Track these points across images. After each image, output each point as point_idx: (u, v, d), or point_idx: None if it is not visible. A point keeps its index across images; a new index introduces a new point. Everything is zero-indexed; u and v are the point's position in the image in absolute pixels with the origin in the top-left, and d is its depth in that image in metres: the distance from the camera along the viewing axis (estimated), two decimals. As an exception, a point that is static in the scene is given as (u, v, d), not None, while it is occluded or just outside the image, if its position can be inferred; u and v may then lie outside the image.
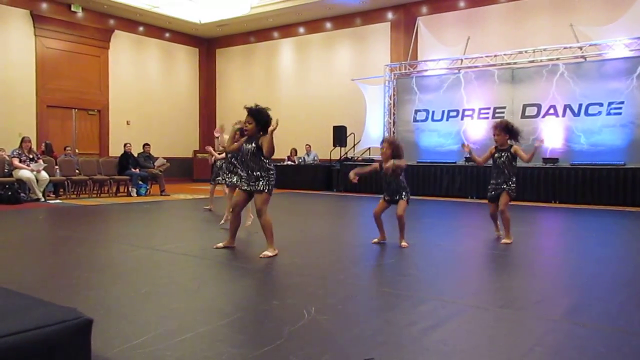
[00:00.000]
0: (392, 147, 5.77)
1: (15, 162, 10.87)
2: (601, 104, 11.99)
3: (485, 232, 6.20)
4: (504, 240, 5.89)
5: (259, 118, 5.16)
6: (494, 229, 6.34)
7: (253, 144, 5.16)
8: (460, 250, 5.79)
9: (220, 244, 5.54)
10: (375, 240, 5.96)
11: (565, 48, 12.47)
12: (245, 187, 5.27)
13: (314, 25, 17.87)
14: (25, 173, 10.77)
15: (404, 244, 5.71)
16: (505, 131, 6.02)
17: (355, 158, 15.72)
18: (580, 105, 12.23)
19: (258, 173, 5.18)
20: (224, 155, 7.32)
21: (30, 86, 15.53)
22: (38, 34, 15.58)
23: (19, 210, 9.40)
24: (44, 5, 15.72)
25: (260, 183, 5.18)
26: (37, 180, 10.92)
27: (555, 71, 12.53)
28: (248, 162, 5.21)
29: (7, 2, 14.87)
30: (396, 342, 2.84)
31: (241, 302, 3.71)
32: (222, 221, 7.22)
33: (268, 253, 5.08)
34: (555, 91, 12.53)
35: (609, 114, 11.89)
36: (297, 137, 17.49)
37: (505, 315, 3.36)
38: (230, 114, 5.17)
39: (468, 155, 6.22)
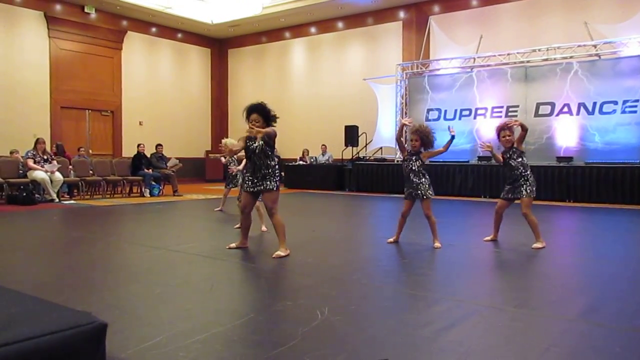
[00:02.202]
0: (422, 138, 5.69)
1: (30, 163, 10.96)
2: (616, 102, 11.87)
3: (499, 230, 6.13)
4: (534, 245, 5.61)
5: (264, 113, 5.14)
6: (494, 232, 6.12)
7: (259, 142, 5.14)
8: (474, 250, 5.75)
9: (233, 245, 5.54)
10: (391, 239, 5.94)
11: (579, 46, 12.37)
12: (251, 189, 5.27)
13: (325, 25, 17.86)
14: (39, 174, 10.86)
15: (436, 244, 5.67)
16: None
17: (367, 158, 15.69)
18: (595, 104, 12.13)
19: (265, 171, 5.16)
20: (243, 164, 7.24)
21: (44, 87, 15.67)
22: (52, 35, 15.71)
23: (34, 211, 9.48)
24: (58, 7, 15.84)
25: (267, 182, 5.16)
26: (51, 181, 11.01)
27: (569, 69, 12.43)
28: (255, 160, 5.19)
29: (21, 4, 15.02)
30: (411, 343, 2.82)
31: (254, 303, 3.71)
32: (237, 226, 7.22)
33: (280, 253, 5.08)
34: (569, 89, 12.43)
35: (623, 112, 11.78)
36: (308, 137, 17.51)
37: (521, 315, 3.33)
38: (242, 115, 5.17)
39: (482, 154, 5.93)
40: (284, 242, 5.17)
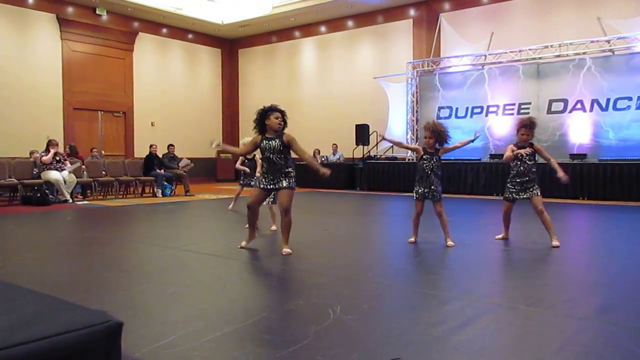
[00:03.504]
0: (435, 135, 5.66)
1: (45, 158, 11.00)
2: (630, 98, 11.75)
3: (511, 229, 6.10)
4: (554, 244, 5.51)
5: (283, 117, 5.27)
6: (505, 231, 6.09)
7: (278, 141, 5.18)
8: (487, 248, 5.72)
9: (244, 243, 5.56)
10: (412, 239, 5.85)
11: (592, 42, 12.24)
12: (269, 186, 5.28)
13: (335, 23, 17.85)
14: (53, 175, 10.95)
15: (449, 242, 5.64)
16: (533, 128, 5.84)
17: (378, 157, 15.66)
18: (608, 100, 12.01)
19: (283, 170, 5.21)
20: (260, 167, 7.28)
21: (57, 89, 15.80)
22: (64, 37, 15.84)
23: (48, 212, 9.57)
24: (70, 9, 15.97)
25: (286, 181, 5.22)
26: (65, 182, 11.10)
27: (582, 65, 12.32)
28: (272, 158, 5.21)
29: (34, 7, 15.16)
30: (423, 342, 2.81)
31: (266, 302, 3.72)
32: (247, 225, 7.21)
33: (289, 250, 5.17)
34: (582, 86, 12.32)
35: (638, 108, 11.65)
36: (319, 136, 17.49)
37: (534, 314, 3.30)
38: (253, 114, 5.22)
39: (495, 153, 6.02)
40: (287, 240, 5.25)
